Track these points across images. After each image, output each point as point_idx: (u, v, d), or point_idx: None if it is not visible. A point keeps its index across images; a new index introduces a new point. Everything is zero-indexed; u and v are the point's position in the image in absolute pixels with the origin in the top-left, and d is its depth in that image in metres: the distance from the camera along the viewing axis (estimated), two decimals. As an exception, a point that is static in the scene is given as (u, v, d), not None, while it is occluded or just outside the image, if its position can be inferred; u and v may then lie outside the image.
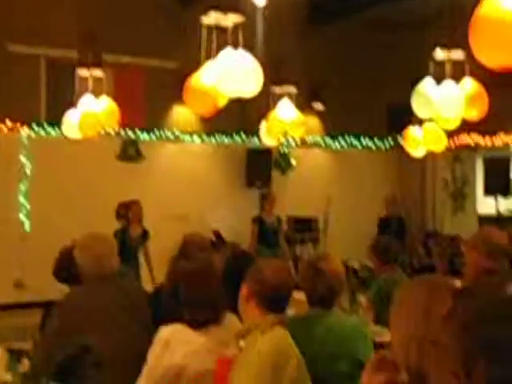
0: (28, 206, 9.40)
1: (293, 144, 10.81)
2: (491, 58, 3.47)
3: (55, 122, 8.37)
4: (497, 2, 3.33)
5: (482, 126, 8.40)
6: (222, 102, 5.44)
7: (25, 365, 3.41)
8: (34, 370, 3.33)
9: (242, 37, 5.07)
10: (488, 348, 1.37)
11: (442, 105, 6.00)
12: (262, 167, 10.73)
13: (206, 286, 3.11)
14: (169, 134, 10.41)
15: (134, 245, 7.52)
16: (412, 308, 1.94)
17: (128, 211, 7.66)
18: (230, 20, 5.20)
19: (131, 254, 7.39)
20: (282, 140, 8.27)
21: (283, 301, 2.90)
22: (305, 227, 10.89)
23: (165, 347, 2.88)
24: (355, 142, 12.02)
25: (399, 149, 9.50)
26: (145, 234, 7.72)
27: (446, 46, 6.24)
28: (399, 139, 8.43)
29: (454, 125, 6.64)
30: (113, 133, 8.87)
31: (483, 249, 3.89)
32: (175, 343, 2.88)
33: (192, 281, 3.12)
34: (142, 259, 7.78)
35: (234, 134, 10.74)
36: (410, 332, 1.89)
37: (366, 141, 12.08)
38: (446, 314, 1.50)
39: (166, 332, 2.93)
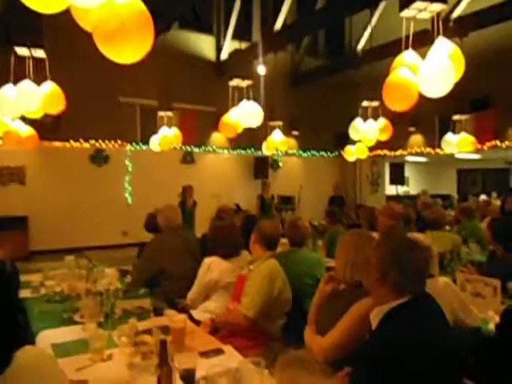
0: (130, 189, 9.59)
1: (280, 154, 10.77)
2: (394, 105, 3.58)
3: (145, 141, 8.46)
4: (397, 75, 3.45)
5: (388, 144, 8.45)
6: (240, 130, 5.64)
7: (128, 278, 3.43)
8: (132, 281, 3.37)
9: (251, 93, 5.30)
10: (396, 265, 1.61)
11: (366, 132, 6.16)
12: (262, 167, 10.83)
13: (231, 234, 3.20)
14: (210, 148, 10.49)
15: (189, 210, 7.59)
16: (347, 247, 2.16)
17: (186, 191, 7.83)
18: (245, 83, 5.41)
19: (188, 215, 7.40)
20: (274, 152, 8.23)
21: (275, 243, 2.95)
22: (287, 201, 10.96)
23: (207, 269, 3.03)
24: (316, 153, 12.04)
25: (341, 157, 9.50)
26: (194, 204, 7.81)
27: (369, 99, 6.38)
28: (341, 152, 8.37)
29: (372, 143, 6.69)
30: (178, 148, 8.98)
31: (388, 213, 4.08)
32: (213, 266, 3.03)
33: (223, 232, 3.21)
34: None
35: (247, 148, 10.84)
36: (346, 261, 2.10)
37: (322, 153, 12.11)
38: (375, 246, 1.73)
39: (208, 260, 3.07)
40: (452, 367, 1.53)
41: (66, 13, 1.98)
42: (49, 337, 2.31)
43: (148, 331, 2.20)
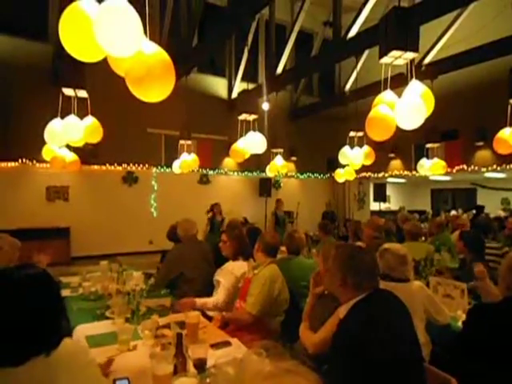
0: (155, 204, 9.58)
1: (281, 176, 10.64)
2: (375, 136, 3.49)
3: (168, 165, 8.24)
4: (378, 111, 3.39)
5: (371, 168, 8.21)
6: (247, 156, 5.58)
7: (152, 281, 3.32)
8: (156, 283, 3.30)
9: (257, 125, 5.23)
10: (351, 270, 1.68)
11: (353, 158, 6.07)
12: (266, 187, 10.67)
13: (241, 242, 3.17)
14: (222, 171, 10.44)
15: (218, 224, 7.47)
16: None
17: (214, 207, 7.63)
18: (252, 117, 5.31)
19: (216, 228, 7.36)
20: (276, 174, 8.05)
21: (275, 251, 2.93)
22: (287, 216, 10.44)
23: (231, 272, 3.02)
24: (311, 175, 11.94)
25: (332, 178, 9.19)
26: (222, 220, 7.57)
27: (355, 130, 6.32)
28: (332, 174, 8.09)
29: (358, 167, 6.59)
30: (196, 170, 9.06)
31: (372, 226, 4.06)
32: (235, 269, 3.02)
33: (245, 239, 3.22)
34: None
35: (254, 171, 10.59)
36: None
37: (316, 175, 11.99)
38: (333, 259, 1.75)
39: (229, 266, 3.07)
40: (402, 341, 1.56)
41: (104, 61, 2.02)
42: (84, 330, 2.30)
43: (167, 326, 2.18)
